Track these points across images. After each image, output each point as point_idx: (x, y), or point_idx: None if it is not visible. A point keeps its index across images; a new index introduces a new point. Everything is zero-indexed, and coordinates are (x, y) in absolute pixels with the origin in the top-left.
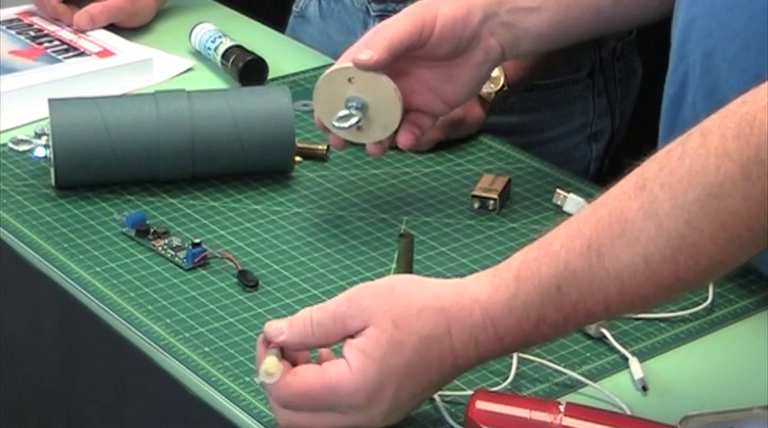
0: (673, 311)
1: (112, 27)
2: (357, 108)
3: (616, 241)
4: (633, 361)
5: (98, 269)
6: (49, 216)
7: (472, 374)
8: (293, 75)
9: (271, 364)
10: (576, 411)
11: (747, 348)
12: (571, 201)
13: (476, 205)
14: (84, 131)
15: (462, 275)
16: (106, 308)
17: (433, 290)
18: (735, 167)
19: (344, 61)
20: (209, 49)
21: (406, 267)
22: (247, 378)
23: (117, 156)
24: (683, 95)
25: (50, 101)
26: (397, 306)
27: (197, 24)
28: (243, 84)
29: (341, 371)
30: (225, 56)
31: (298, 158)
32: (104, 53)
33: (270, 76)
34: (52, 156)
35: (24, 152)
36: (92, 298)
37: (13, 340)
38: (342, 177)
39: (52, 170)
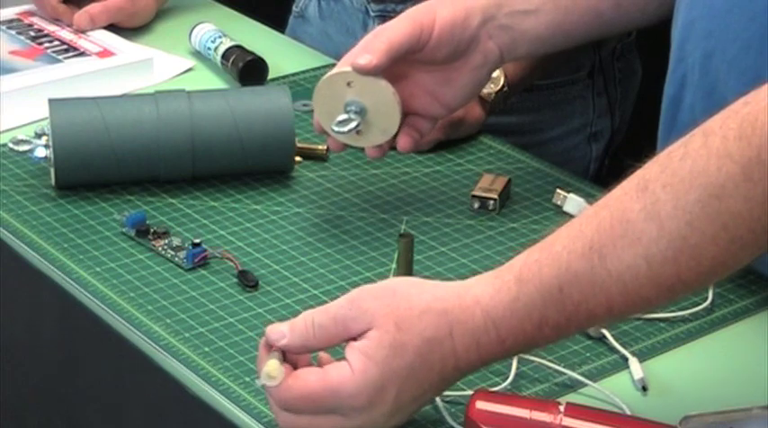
0: (673, 311)
1: (112, 27)
2: (356, 112)
3: (618, 242)
4: (633, 361)
5: (98, 269)
6: (49, 216)
7: (472, 374)
8: (293, 75)
9: (272, 367)
10: (576, 411)
11: (747, 348)
12: (571, 201)
13: (476, 205)
14: (84, 131)
15: (462, 275)
16: (106, 308)
17: (434, 293)
18: (736, 168)
19: (343, 65)
20: (209, 49)
21: (406, 267)
22: (247, 379)
23: (117, 156)
24: (682, 96)
25: (50, 101)
26: (398, 308)
27: (197, 24)
28: (243, 84)
29: (343, 374)
30: (225, 56)
31: (298, 158)
32: (104, 53)
33: (270, 76)
34: (52, 156)
35: (24, 152)
36: (92, 298)
37: (13, 340)
38: (342, 177)
39: (52, 170)
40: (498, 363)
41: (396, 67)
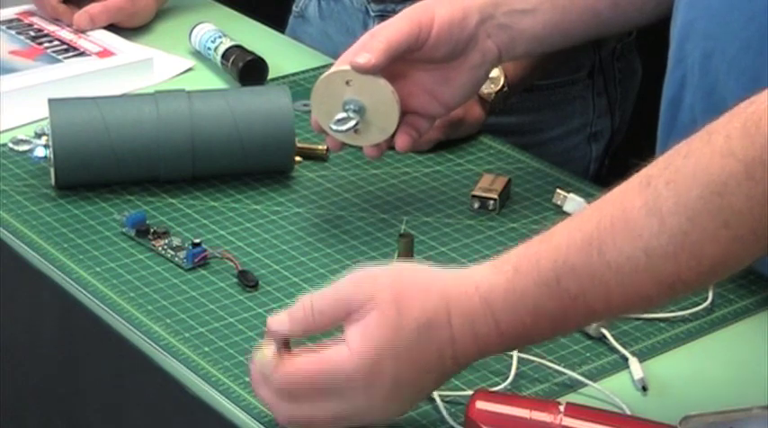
0: (673, 311)
1: (112, 27)
2: (355, 111)
3: (618, 236)
4: (633, 361)
5: (98, 269)
6: (49, 216)
7: (472, 374)
8: (293, 75)
9: (266, 350)
10: (576, 411)
11: (747, 348)
12: (571, 201)
13: (476, 205)
14: (84, 131)
15: None
16: (106, 308)
17: (435, 276)
18: (739, 166)
19: (342, 64)
20: (209, 49)
21: None
22: (247, 379)
23: (117, 156)
24: (682, 97)
25: (50, 101)
26: (399, 290)
27: (197, 24)
28: (243, 84)
29: (341, 353)
30: (225, 56)
31: (298, 158)
32: (104, 53)
33: (270, 76)
34: (52, 156)
35: (24, 152)
36: (92, 298)
37: (13, 340)
38: (342, 177)
39: (52, 170)
40: (498, 363)
41: (394, 66)
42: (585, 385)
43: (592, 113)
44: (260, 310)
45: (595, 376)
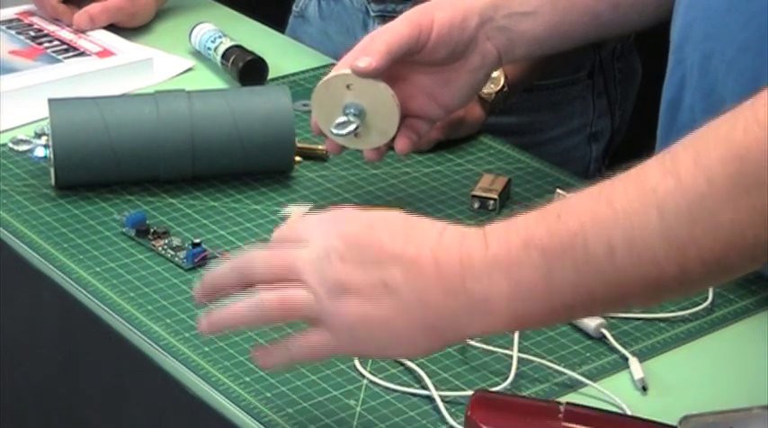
0: (673, 311)
1: (112, 27)
2: (355, 114)
3: (630, 188)
4: (633, 361)
5: (98, 269)
6: (49, 216)
7: (472, 374)
8: (293, 75)
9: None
10: (576, 411)
11: (747, 348)
12: None
13: (476, 205)
14: (84, 131)
15: None
16: (106, 308)
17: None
18: (763, 134)
19: (342, 67)
20: (209, 49)
21: None
22: (248, 379)
23: (117, 156)
24: (681, 98)
25: (50, 101)
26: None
27: (197, 24)
28: (243, 84)
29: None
30: (225, 56)
31: (298, 158)
32: (104, 53)
33: (270, 76)
34: (52, 156)
35: (24, 152)
36: (92, 298)
37: (13, 340)
38: (342, 177)
39: (52, 170)
40: (498, 363)
41: (394, 69)
42: (585, 385)
43: (592, 113)
44: None
45: (595, 376)
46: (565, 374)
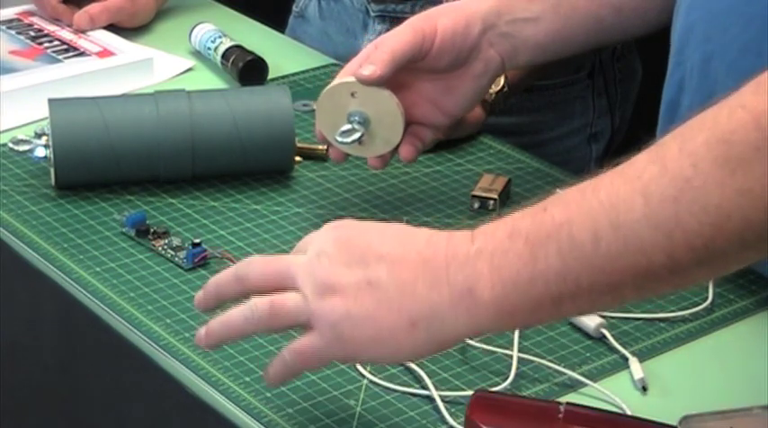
0: (673, 311)
1: (112, 27)
2: (359, 122)
3: (616, 180)
4: (633, 361)
5: (98, 269)
6: (49, 216)
7: (472, 374)
8: (293, 75)
9: None
10: (576, 411)
11: (747, 348)
12: None
13: (476, 205)
14: (84, 131)
15: None
16: (106, 308)
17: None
18: (748, 117)
19: (346, 75)
20: (209, 49)
21: None
22: (248, 379)
23: (117, 156)
24: (680, 100)
25: (50, 101)
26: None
27: (197, 24)
28: (243, 84)
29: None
30: (225, 56)
31: (298, 158)
32: (104, 53)
33: (270, 76)
34: (52, 156)
35: (24, 152)
36: (92, 298)
37: (13, 340)
38: (342, 177)
39: (52, 170)
40: (498, 363)
41: (397, 76)
42: (585, 385)
43: (592, 114)
44: None
45: (595, 376)
46: (565, 374)
